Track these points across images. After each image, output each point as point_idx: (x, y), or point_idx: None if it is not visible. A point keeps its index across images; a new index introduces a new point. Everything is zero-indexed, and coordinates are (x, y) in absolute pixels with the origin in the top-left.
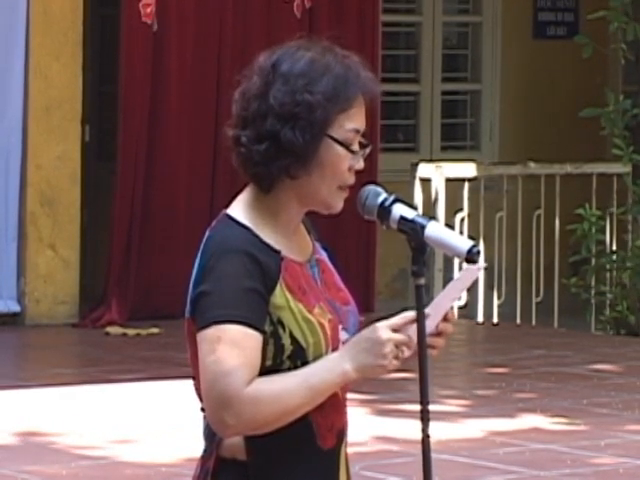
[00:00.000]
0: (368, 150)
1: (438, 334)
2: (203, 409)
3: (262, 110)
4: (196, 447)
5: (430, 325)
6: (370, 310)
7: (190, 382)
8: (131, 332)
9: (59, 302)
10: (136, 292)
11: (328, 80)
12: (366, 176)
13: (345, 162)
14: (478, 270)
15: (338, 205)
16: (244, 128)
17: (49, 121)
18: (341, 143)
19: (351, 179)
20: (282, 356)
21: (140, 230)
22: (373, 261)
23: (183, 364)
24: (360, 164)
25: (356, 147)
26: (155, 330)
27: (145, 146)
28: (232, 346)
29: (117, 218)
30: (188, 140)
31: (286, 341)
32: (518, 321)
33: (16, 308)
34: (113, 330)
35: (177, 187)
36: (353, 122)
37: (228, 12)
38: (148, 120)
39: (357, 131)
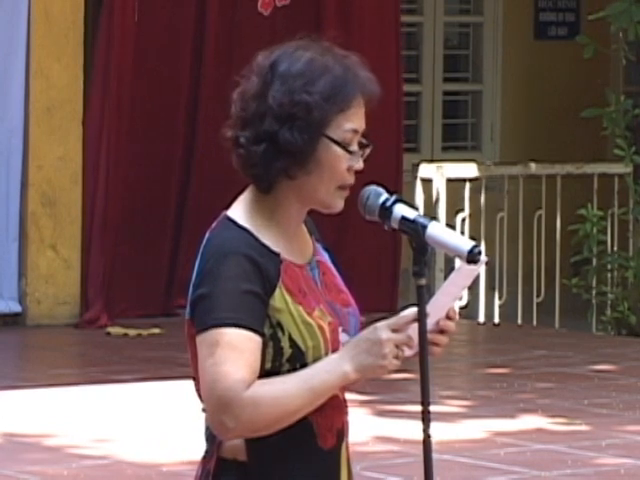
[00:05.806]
0: (368, 150)
1: (440, 332)
2: (204, 410)
3: (260, 110)
4: (198, 448)
5: (429, 323)
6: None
7: (191, 382)
8: (132, 332)
9: (60, 302)
10: (136, 292)
11: (326, 80)
12: (393, 175)
13: (343, 162)
14: (478, 266)
15: (338, 205)
16: (243, 129)
17: (50, 122)
18: (339, 143)
19: (350, 179)
20: (281, 359)
21: (139, 230)
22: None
23: (184, 364)
24: (359, 164)
25: (355, 147)
26: (156, 330)
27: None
28: (231, 349)
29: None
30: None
31: (285, 344)
32: (519, 321)
33: (17, 308)
34: (114, 330)
35: (172, 186)
36: (351, 122)
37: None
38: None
39: (355, 131)
